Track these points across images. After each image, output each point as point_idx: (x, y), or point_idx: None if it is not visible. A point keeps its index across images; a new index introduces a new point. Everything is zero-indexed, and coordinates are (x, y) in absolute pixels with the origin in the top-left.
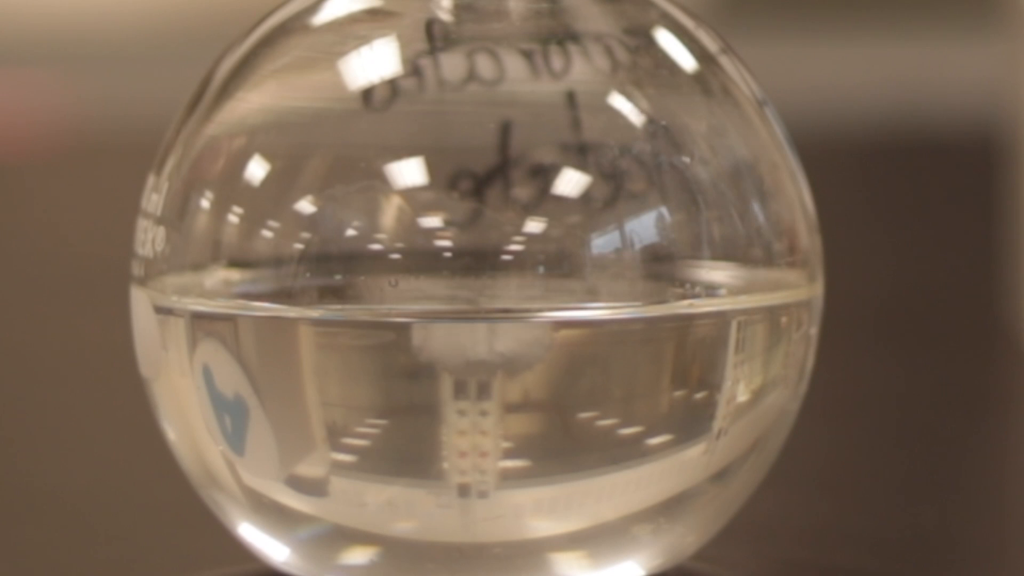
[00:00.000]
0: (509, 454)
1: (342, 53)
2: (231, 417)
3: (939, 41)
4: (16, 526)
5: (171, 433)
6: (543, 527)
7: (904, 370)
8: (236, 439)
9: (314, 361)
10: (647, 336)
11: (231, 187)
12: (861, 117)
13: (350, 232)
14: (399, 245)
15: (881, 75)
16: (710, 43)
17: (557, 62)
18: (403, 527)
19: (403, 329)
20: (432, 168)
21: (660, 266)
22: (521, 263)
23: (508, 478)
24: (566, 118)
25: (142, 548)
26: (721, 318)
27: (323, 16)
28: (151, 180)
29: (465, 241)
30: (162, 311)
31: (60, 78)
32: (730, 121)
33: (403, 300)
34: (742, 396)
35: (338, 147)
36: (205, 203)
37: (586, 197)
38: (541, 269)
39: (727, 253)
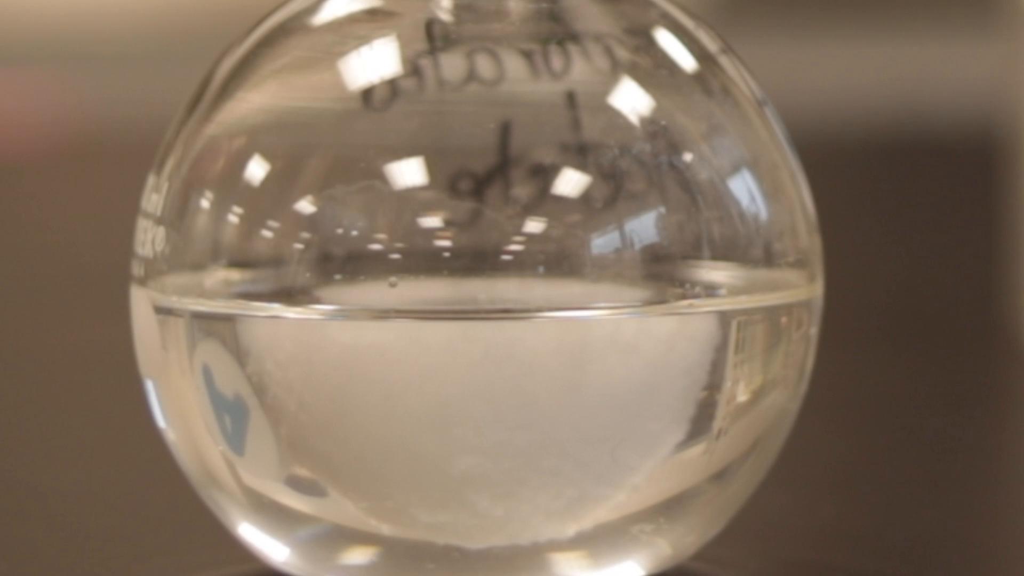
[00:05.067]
0: None
1: (342, 53)
2: (231, 417)
3: (939, 41)
4: (15, 526)
5: (171, 433)
6: (543, 527)
7: (904, 370)
8: (236, 439)
9: (314, 361)
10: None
11: (231, 187)
12: (861, 117)
13: (350, 232)
14: (399, 245)
15: (881, 75)
16: (710, 43)
17: (557, 62)
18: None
19: (403, 329)
20: (432, 168)
21: (660, 266)
22: (521, 263)
23: None
24: (566, 118)
25: (142, 548)
26: (721, 318)
27: (323, 16)
28: (151, 180)
29: (465, 241)
30: (162, 311)
31: (60, 78)
32: (730, 121)
33: (403, 300)
34: (742, 396)
35: (338, 147)
36: (205, 203)
37: (586, 197)
38: (541, 269)
39: (727, 253)
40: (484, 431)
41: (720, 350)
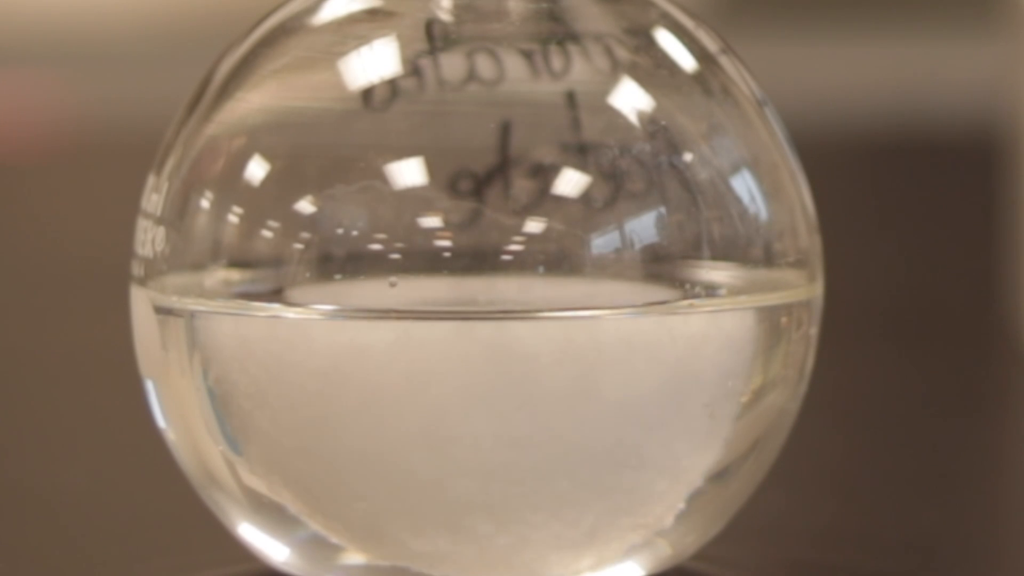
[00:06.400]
0: None
1: (342, 53)
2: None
3: (939, 41)
4: (15, 526)
5: (171, 433)
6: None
7: (904, 370)
8: (236, 439)
9: (314, 361)
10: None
11: (231, 187)
12: (861, 117)
13: (350, 232)
14: (399, 245)
15: (881, 75)
16: (710, 43)
17: (557, 62)
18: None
19: (403, 329)
20: (432, 168)
21: (660, 266)
22: (521, 263)
23: None
24: (566, 118)
25: (142, 548)
26: (745, 316)
27: (323, 16)
28: (151, 180)
29: (465, 241)
30: (162, 311)
31: (60, 78)
32: (730, 121)
33: (403, 300)
34: (742, 396)
35: (338, 147)
36: (205, 203)
37: (586, 197)
38: (541, 269)
39: (727, 253)
40: (485, 448)
41: (745, 351)
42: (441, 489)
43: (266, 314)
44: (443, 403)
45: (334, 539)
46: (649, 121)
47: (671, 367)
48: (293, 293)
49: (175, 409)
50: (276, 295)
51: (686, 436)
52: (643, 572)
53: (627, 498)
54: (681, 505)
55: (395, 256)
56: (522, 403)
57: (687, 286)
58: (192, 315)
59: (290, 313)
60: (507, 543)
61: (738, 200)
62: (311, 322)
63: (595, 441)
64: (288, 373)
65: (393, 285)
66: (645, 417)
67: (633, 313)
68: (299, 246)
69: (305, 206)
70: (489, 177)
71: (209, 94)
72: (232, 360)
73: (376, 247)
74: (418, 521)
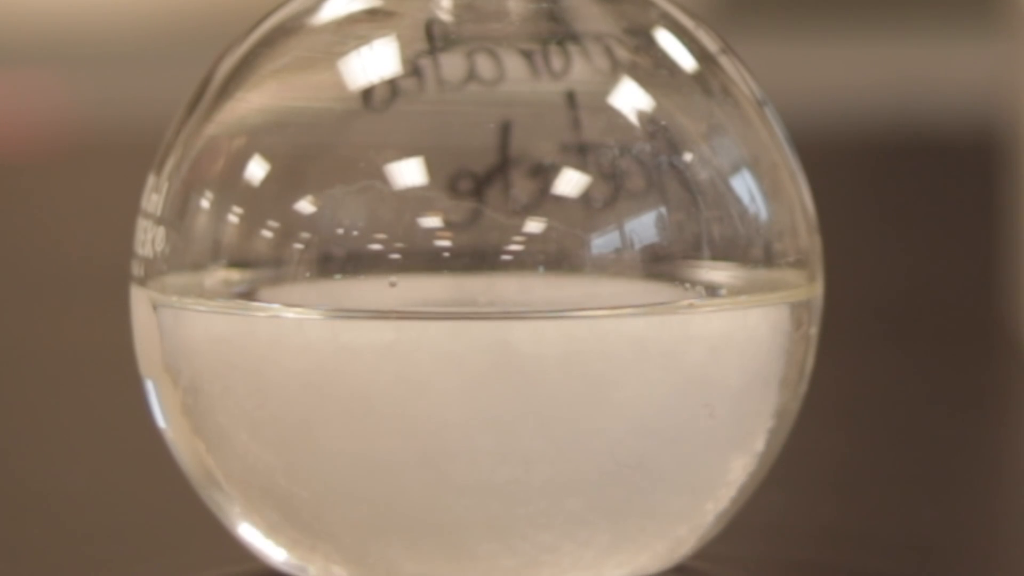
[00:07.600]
0: None
1: (342, 53)
2: None
3: (939, 41)
4: (15, 526)
5: (171, 433)
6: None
7: (904, 370)
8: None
9: (314, 361)
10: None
11: (231, 187)
12: (861, 117)
13: (350, 232)
14: (399, 245)
15: (881, 75)
16: (710, 43)
17: (557, 62)
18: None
19: (403, 329)
20: (432, 168)
21: (660, 266)
22: (521, 263)
23: None
24: (566, 118)
25: (142, 548)
26: (780, 314)
27: (323, 16)
28: (151, 180)
29: (465, 241)
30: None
31: (60, 78)
32: (730, 121)
33: (403, 300)
34: (749, 397)
35: (338, 147)
36: (205, 203)
37: (586, 197)
38: (541, 269)
39: (727, 253)
40: (487, 464)
41: (750, 351)
42: (438, 507)
43: (267, 314)
44: (441, 410)
45: (320, 562)
46: (649, 121)
47: (680, 368)
48: (291, 293)
49: (175, 409)
50: (273, 295)
51: (700, 443)
52: (643, 572)
53: (646, 516)
54: (706, 526)
55: (395, 256)
56: (525, 408)
57: (687, 286)
58: (158, 309)
59: (290, 313)
60: (513, 565)
61: (738, 200)
62: (305, 322)
63: (606, 451)
64: (278, 376)
65: (393, 285)
66: (658, 423)
67: (635, 313)
68: (299, 246)
69: (305, 206)
70: (489, 177)
71: (209, 94)
72: (217, 362)
73: (376, 247)
74: (413, 541)
